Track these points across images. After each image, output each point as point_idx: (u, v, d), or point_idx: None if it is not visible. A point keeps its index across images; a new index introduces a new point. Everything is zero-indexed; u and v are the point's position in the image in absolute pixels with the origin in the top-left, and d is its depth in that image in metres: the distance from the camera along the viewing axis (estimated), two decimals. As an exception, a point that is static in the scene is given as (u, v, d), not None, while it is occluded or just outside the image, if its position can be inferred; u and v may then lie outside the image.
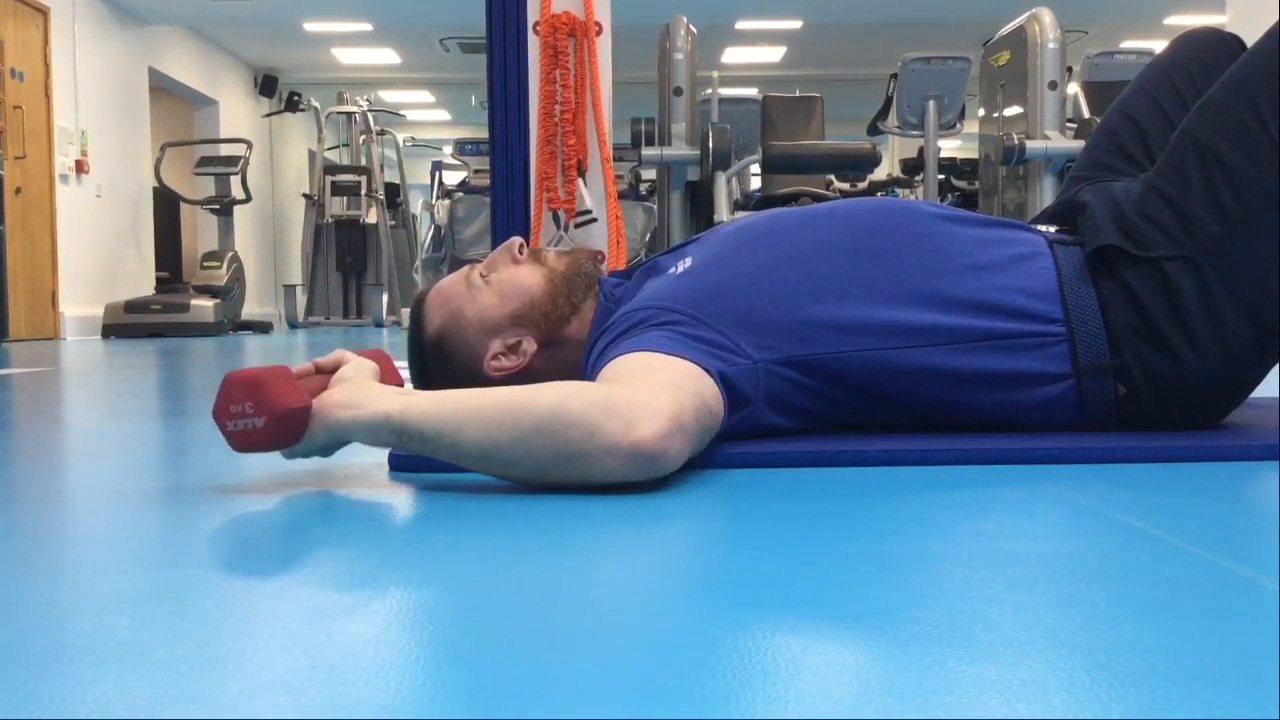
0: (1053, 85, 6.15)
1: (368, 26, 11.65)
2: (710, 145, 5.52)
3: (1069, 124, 6.32)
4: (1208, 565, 0.80)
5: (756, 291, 1.37)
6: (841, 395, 1.39)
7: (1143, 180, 1.45)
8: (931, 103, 6.42)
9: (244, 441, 1.15)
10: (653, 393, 1.13)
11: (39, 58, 8.54)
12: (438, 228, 10.24)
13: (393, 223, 11.11)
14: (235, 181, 10.07)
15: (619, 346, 1.31)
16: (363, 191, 10.71)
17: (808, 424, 1.40)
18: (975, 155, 7.48)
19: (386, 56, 13.19)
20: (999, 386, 1.39)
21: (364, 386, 1.19)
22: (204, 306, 8.79)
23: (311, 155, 12.48)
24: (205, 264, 9.63)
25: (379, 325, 10.33)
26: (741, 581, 0.78)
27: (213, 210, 10.20)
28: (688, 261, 1.45)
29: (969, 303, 1.38)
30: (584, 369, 1.41)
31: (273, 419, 1.14)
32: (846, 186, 7.74)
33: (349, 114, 11.40)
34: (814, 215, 1.48)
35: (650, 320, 1.34)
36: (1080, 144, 5.46)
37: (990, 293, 1.39)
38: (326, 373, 1.25)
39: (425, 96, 15.47)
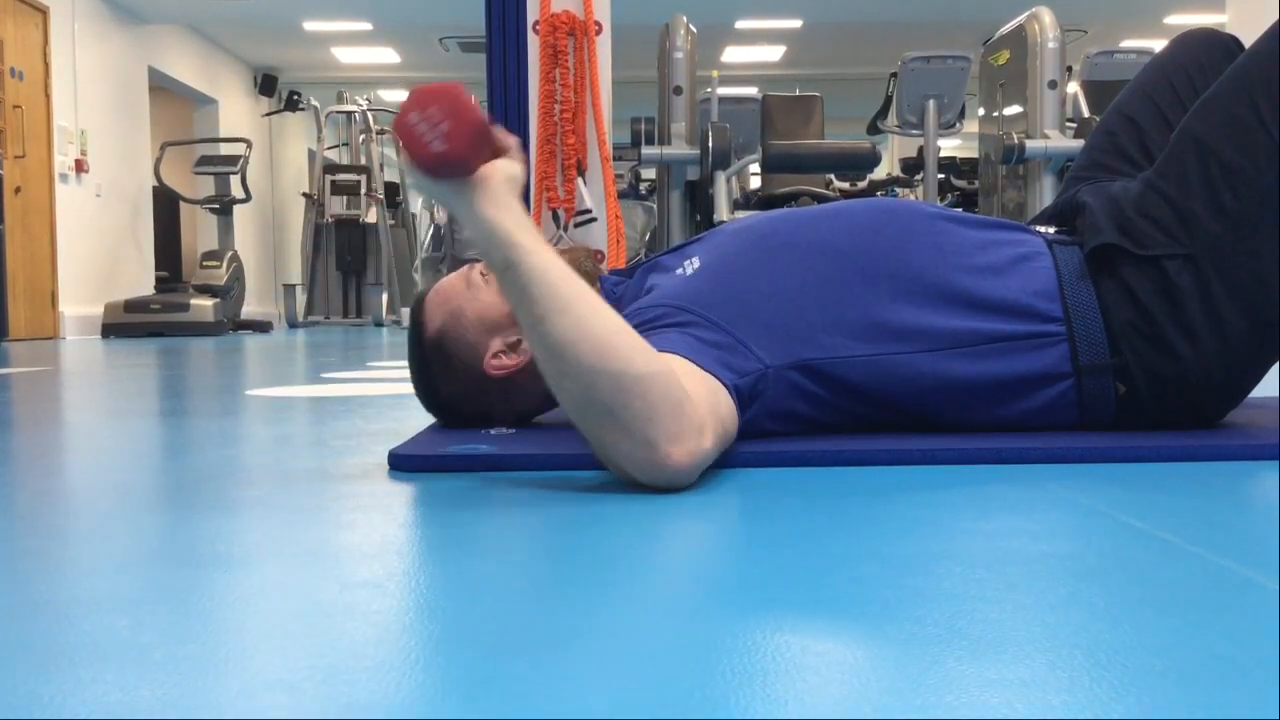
0: (1052, 84, 6.15)
1: (367, 26, 11.64)
2: (710, 144, 5.52)
3: (1069, 123, 6.32)
4: (1208, 565, 0.80)
5: (765, 295, 1.37)
6: (847, 403, 1.39)
7: (1142, 179, 1.45)
8: (931, 102, 6.42)
9: (418, 148, 1.11)
10: (701, 416, 1.12)
11: (39, 57, 8.54)
12: (437, 227, 10.25)
13: (392, 222, 11.11)
14: (235, 181, 10.08)
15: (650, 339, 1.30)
16: (362, 191, 10.72)
17: (806, 430, 1.40)
18: (975, 155, 7.49)
19: (386, 56, 13.18)
20: (1004, 396, 1.39)
21: (517, 199, 1.16)
22: (204, 306, 8.79)
23: (311, 155, 12.48)
24: (205, 263, 9.64)
25: (379, 324, 10.33)
26: (741, 580, 0.78)
27: (212, 210, 10.20)
28: (695, 262, 1.45)
29: (971, 301, 1.38)
30: None
31: (458, 149, 1.10)
32: (846, 186, 7.75)
33: (349, 113, 11.40)
34: (817, 216, 1.48)
35: (665, 319, 1.33)
36: (1080, 143, 5.46)
37: (992, 292, 1.39)
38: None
39: (425, 96, 15.45)
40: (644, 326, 1.33)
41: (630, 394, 1.07)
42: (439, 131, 1.10)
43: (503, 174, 1.15)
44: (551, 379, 1.12)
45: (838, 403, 1.39)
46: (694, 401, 1.11)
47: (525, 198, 4.15)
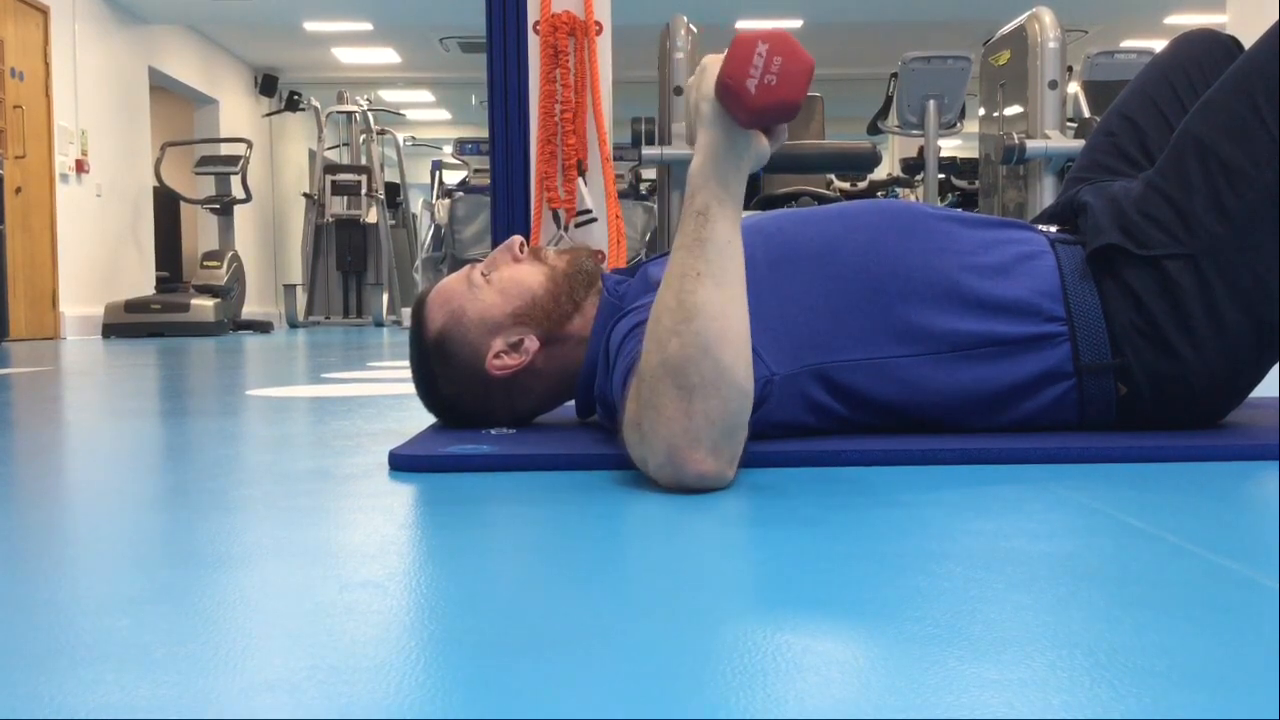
0: (1053, 85, 6.14)
1: (368, 26, 11.64)
2: (710, 145, 5.50)
3: (1069, 123, 6.31)
4: (1208, 565, 0.80)
5: (773, 300, 1.36)
6: (851, 411, 1.38)
7: (1143, 179, 1.45)
8: (932, 102, 6.42)
9: (737, 72, 1.10)
10: (738, 453, 1.13)
11: (39, 57, 8.55)
12: (438, 227, 10.25)
13: (393, 222, 11.11)
14: (235, 181, 10.08)
15: None
16: (363, 191, 10.72)
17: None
18: (975, 155, 7.48)
19: (386, 56, 13.19)
20: (1008, 400, 1.39)
21: (746, 175, 1.16)
22: (204, 306, 8.80)
23: (312, 155, 12.49)
24: (205, 263, 9.64)
25: (379, 324, 10.33)
26: (741, 581, 0.78)
27: (213, 210, 10.21)
28: None
29: (976, 302, 1.38)
30: (601, 354, 1.40)
31: (760, 105, 1.09)
32: (847, 186, 7.74)
33: (349, 113, 11.41)
34: (821, 218, 1.47)
35: None
36: (1080, 143, 5.45)
37: (997, 292, 1.39)
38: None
39: (425, 96, 15.48)
40: None
41: (717, 391, 1.07)
42: (764, 80, 1.09)
43: (760, 147, 1.15)
44: (660, 330, 1.10)
45: (840, 411, 1.38)
46: (744, 433, 1.12)
47: (525, 199, 4.12)
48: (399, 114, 13.25)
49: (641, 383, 1.11)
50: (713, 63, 1.14)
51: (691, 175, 1.14)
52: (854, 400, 1.38)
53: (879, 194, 7.88)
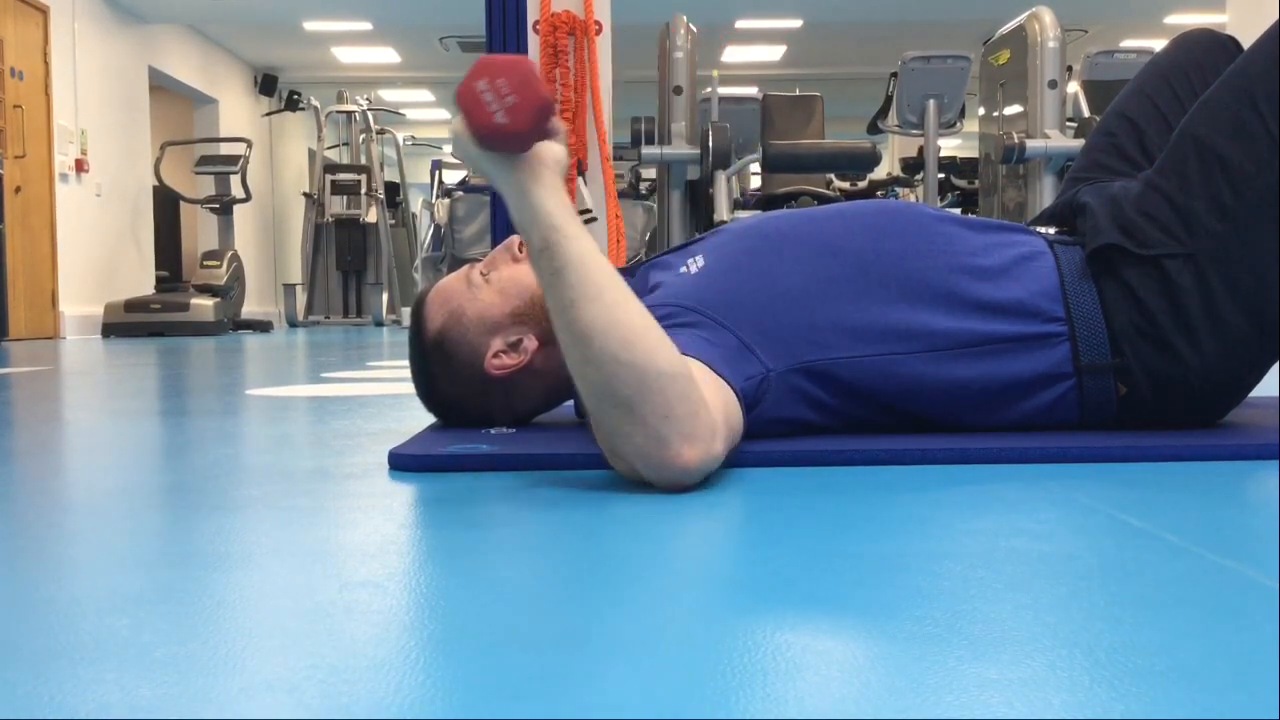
0: (1053, 84, 6.15)
1: (367, 25, 11.64)
2: (710, 144, 5.52)
3: (1069, 123, 6.32)
4: (1208, 565, 0.80)
5: (770, 298, 1.36)
6: (850, 407, 1.38)
7: (1142, 179, 1.45)
8: (931, 102, 6.42)
9: (481, 117, 1.09)
10: (716, 420, 1.12)
11: (39, 57, 8.54)
12: (437, 227, 10.25)
13: (392, 222, 11.12)
14: (235, 180, 10.08)
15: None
16: (363, 190, 10.72)
17: (805, 435, 1.40)
18: (975, 154, 7.49)
19: (386, 55, 13.19)
20: (1006, 398, 1.39)
21: (561, 182, 1.16)
22: (204, 305, 8.80)
23: (311, 154, 12.49)
24: (205, 263, 9.65)
25: (379, 324, 10.33)
26: (740, 580, 0.78)
27: (212, 209, 10.21)
28: (699, 260, 1.44)
29: (975, 303, 1.38)
30: None
31: (521, 125, 1.08)
32: (846, 185, 7.75)
33: (349, 113, 11.41)
34: (821, 217, 1.47)
35: (672, 319, 1.32)
36: (1080, 143, 5.45)
37: (995, 294, 1.39)
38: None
39: (425, 95, 15.48)
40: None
41: (650, 389, 1.07)
42: (505, 104, 1.09)
43: (551, 156, 1.15)
44: (574, 365, 1.11)
45: (839, 407, 1.38)
46: (709, 405, 1.12)
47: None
48: (399, 114, 13.25)
49: (591, 416, 1.13)
50: (459, 125, 1.14)
51: (517, 223, 1.14)
52: (852, 396, 1.38)
53: (879, 194, 7.88)
